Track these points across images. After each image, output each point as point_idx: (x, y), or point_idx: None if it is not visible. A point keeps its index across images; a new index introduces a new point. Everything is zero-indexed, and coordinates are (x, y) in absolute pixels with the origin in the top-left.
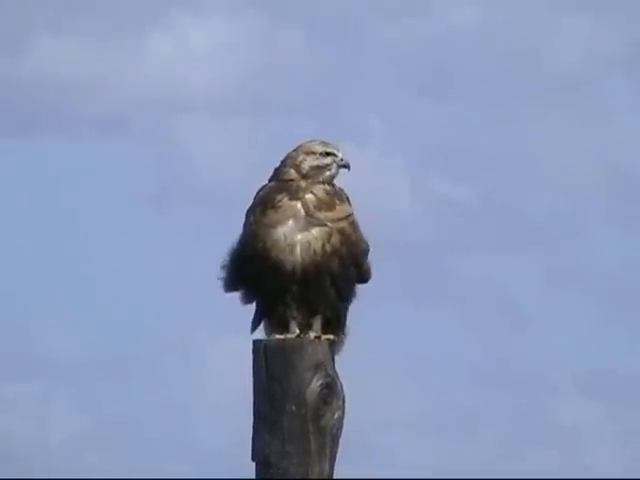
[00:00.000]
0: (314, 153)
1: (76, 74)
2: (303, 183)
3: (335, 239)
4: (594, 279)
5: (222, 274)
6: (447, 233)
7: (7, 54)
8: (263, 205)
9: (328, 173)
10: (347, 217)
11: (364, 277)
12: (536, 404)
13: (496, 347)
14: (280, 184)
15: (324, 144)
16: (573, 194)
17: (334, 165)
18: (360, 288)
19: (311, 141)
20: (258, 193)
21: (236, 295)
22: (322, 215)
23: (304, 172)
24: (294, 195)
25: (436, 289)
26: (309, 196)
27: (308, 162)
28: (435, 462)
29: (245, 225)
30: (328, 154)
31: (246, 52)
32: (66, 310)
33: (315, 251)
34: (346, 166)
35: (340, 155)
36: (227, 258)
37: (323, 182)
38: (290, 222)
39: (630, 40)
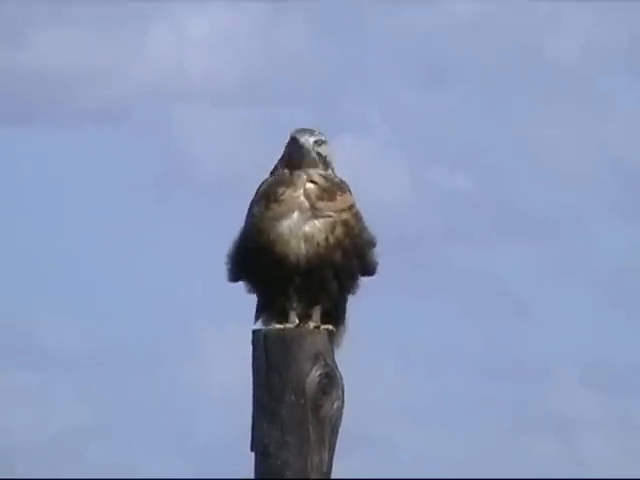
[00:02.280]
0: (290, 139)
1: (75, 64)
2: (296, 171)
3: (339, 231)
4: (594, 268)
5: (227, 263)
6: (447, 223)
7: (7, 44)
8: (266, 199)
9: (298, 158)
10: (350, 208)
11: (368, 269)
12: (537, 394)
13: (496, 337)
14: (279, 177)
15: (296, 130)
16: (574, 184)
17: (299, 148)
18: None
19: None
20: (260, 187)
21: (240, 284)
22: (324, 205)
23: (286, 159)
24: (293, 186)
25: (436, 279)
26: (309, 186)
27: (287, 149)
28: (434, 452)
29: (248, 217)
30: (293, 139)
31: (246, 42)
32: (66, 300)
33: (319, 243)
34: (302, 146)
35: (302, 140)
36: (231, 249)
37: (306, 167)
38: (294, 215)
39: (633, 31)
